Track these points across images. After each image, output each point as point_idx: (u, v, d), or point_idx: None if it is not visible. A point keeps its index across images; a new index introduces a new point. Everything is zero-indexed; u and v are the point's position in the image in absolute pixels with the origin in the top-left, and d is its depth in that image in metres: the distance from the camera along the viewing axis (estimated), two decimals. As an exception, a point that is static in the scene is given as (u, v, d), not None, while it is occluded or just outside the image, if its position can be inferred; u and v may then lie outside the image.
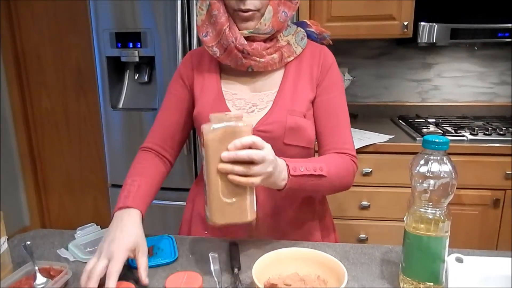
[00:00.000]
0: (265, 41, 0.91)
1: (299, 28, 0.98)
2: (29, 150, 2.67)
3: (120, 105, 1.86)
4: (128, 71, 1.90)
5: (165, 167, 0.98)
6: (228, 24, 0.88)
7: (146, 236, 0.80)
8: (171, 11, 1.66)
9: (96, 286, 0.67)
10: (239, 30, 0.88)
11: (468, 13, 1.81)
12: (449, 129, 1.87)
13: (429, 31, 1.84)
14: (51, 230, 0.99)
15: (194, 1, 1.62)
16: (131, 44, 1.74)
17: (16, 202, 2.67)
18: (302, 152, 0.92)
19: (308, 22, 1.03)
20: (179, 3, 1.62)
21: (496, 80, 2.23)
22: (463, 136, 1.76)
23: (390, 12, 1.87)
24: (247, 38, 0.88)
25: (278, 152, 0.87)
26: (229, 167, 0.67)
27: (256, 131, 0.87)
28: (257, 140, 0.69)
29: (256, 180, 0.69)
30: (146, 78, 1.84)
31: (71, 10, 2.41)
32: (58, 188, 2.74)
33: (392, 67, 2.29)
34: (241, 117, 0.69)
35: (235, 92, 0.94)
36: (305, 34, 0.99)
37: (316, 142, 0.96)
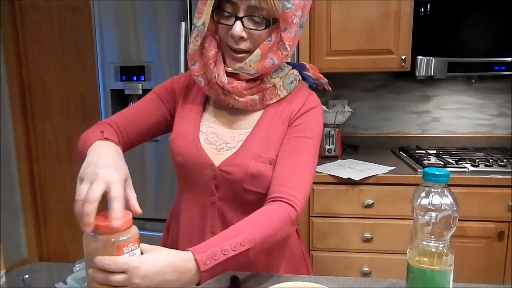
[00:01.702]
0: (248, 80, 0.89)
1: (292, 71, 0.95)
2: (30, 182, 2.66)
3: (123, 137, 1.87)
4: (131, 103, 1.93)
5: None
6: (215, 59, 0.88)
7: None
8: (174, 45, 1.71)
9: (95, 212, 0.61)
10: (227, 66, 0.89)
11: (464, 47, 1.86)
12: (450, 160, 1.87)
13: (426, 65, 1.88)
14: (49, 263, 0.98)
15: (197, 36, 1.67)
16: (135, 77, 1.78)
17: (14, 234, 2.64)
18: (262, 198, 0.85)
19: (308, 66, 1.01)
20: (182, 37, 1.67)
21: (495, 112, 2.25)
22: (465, 167, 1.76)
23: (388, 47, 1.93)
24: (231, 75, 0.88)
25: (238, 195, 0.89)
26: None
27: (219, 171, 0.88)
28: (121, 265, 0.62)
29: None
30: (149, 110, 1.87)
31: (77, 44, 2.48)
32: (57, 220, 2.71)
33: (391, 99, 2.32)
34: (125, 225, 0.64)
35: (211, 125, 0.94)
36: (297, 78, 0.96)
37: None
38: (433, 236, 0.66)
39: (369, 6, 1.91)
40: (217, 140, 0.92)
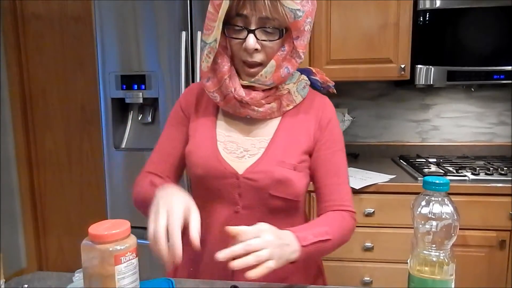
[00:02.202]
0: (264, 90, 0.90)
1: (302, 76, 0.97)
2: (30, 191, 2.66)
3: (123, 145, 1.88)
4: (132, 111, 1.94)
5: None
6: (229, 74, 0.88)
7: (143, 279, 0.78)
8: (175, 54, 1.72)
9: (166, 246, 0.68)
10: (242, 80, 0.89)
11: (463, 56, 1.87)
12: (451, 168, 1.87)
13: (426, 73, 1.89)
14: (48, 272, 0.97)
15: (198, 45, 1.68)
16: (135, 86, 1.79)
17: (13, 243, 2.63)
18: (287, 204, 0.90)
19: (313, 70, 1.02)
20: (183, 46, 1.68)
21: (494, 121, 2.26)
22: (465, 176, 1.76)
23: (387, 56, 1.94)
24: (246, 86, 0.89)
25: (263, 202, 0.88)
26: (241, 262, 0.68)
27: (243, 179, 0.87)
28: (247, 235, 0.70)
29: (271, 263, 0.70)
30: (149, 119, 1.87)
31: (78, 53, 2.49)
32: (57, 230, 2.70)
33: (391, 108, 2.33)
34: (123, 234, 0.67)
35: (228, 134, 0.93)
36: (308, 82, 0.98)
37: (315, 196, 0.96)
38: (434, 245, 0.66)
39: (368, 16, 1.92)
40: (237, 148, 0.91)
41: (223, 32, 0.86)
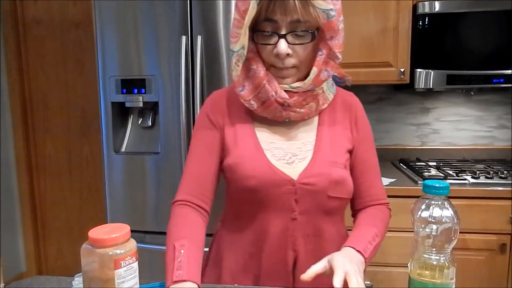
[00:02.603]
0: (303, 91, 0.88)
1: None
2: (30, 196, 2.66)
3: (123, 149, 1.88)
4: (132, 115, 1.94)
5: (204, 221, 0.92)
6: (267, 78, 0.85)
7: (142, 283, 0.78)
8: (175, 58, 1.72)
9: None
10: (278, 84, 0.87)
11: (463, 60, 1.87)
12: (451, 172, 1.87)
13: (425, 77, 1.90)
14: (48, 276, 0.97)
15: (198, 50, 1.68)
16: (135, 90, 1.79)
17: (13, 248, 2.62)
18: (342, 203, 0.92)
19: None
20: (183, 51, 1.69)
21: (494, 124, 2.26)
22: (465, 179, 1.76)
23: (387, 60, 1.94)
24: (285, 90, 0.86)
25: (320, 205, 0.87)
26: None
27: (300, 184, 0.85)
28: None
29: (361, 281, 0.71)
30: (149, 123, 1.87)
31: (79, 59, 2.50)
32: (56, 234, 2.70)
33: (391, 112, 2.33)
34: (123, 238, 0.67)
35: (271, 141, 0.90)
36: (332, 79, 0.96)
37: None
38: (434, 249, 0.66)
39: (368, 21, 1.93)
40: (285, 154, 0.88)
41: (253, 38, 0.83)
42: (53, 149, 2.62)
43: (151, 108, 1.87)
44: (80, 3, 2.46)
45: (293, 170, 0.86)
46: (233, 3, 1.64)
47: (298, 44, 0.82)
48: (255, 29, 0.83)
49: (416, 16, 1.88)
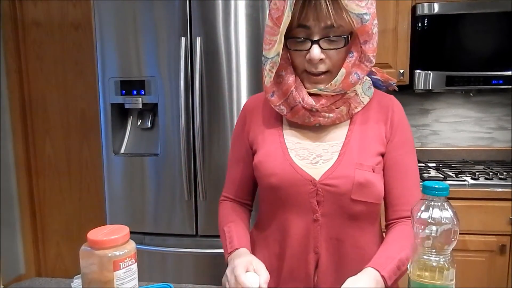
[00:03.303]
0: (332, 95, 0.87)
1: (366, 77, 0.94)
2: (29, 198, 2.65)
3: (122, 151, 1.88)
4: (131, 117, 1.94)
5: (248, 211, 1.05)
6: (295, 85, 0.86)
7: (142, 285, 0.78)
8: (174, 60, 1.72)
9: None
10: (307, 89, 0.86)
11: (462, 61, 1.88)
12: (450, 173, 1.87)
13: (425, 78, 1.90)
14: (47, 278, 0.97)
15: (197, 51, 1.68)
16: (135, 92, 1.79)
17: (12, 250, 2.62)
18: (369, 208, 0.87)
19: (373, 69, 0.98)
20: (182, 52, 1.69)
21: (493, 125, 2.26)
22: (464, 180, 1.76)
23: (387, 61, 1.94)
24: (313, 95, 0.86)
25: (343, 208, 0.85)
26: None
27: (321, 185, 0.84)
28: None
29: None
30: (149, 124, 1.87)
31: (78, 60, 2.50)
32: (56, 236, 2.69)
33: (390, 113, 2.33)
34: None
35: (298, 141, 0.90)
36: (371, 82, 0.95)
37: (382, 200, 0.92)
38: (433, 250, 0.66)
39: (367, 21, 1.93)
40: (309, 154, 0.88)
41: (284, 44, 0.83)
42: (53, 151, 2.62)
43: (151, 109, 1.87)
44: (79, 5, 2.46)
45: (316, 170, 0.85)
46: (232, 4, 1.64)
47: (331, 49, 0.81)
48: (287, 35, 0.82)
49: (416, 18, 1.88)
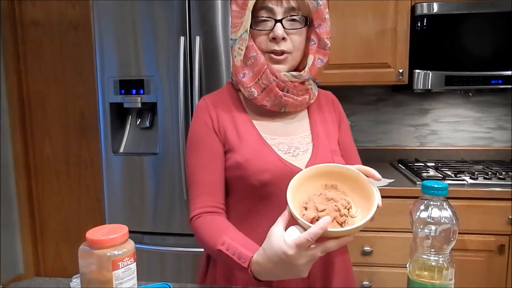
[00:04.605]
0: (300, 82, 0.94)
1: None
2: (28, 197, 2.65)
3: (122, 150, 1.88)
4: (130, 116, 1.93)
5: (226, 218, 0.92)
6: (267, 64, 0.89)
7: (141, 284, 0.78)
8: (174, 59, 1.72)
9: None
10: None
11: (461, 61, 1.88)
12: (449, 173, 1.87)
13: (424, 78, 1.90)
14: (46, 278, 0.97)
15: (196, 50, 1.68)
16: (134, 91, 1.79)
17: (11, 249, 2.61)
18: None
19: None
20: (181, 51, 1.69)
21: (492, 125, 2.26)
22: (463, 180, 1.76)
23: (386, 60, 1.94)
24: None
25: None
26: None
27: None
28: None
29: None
30: (148, 124, 1.87)
31: (77, 60, 2.50)
32: (55, 236, 2.69)
33: (389, 113, 2.33)
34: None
35: (273, 137, 0.93)
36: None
37: None
38: (433, 250, 0.66)
39: (366, 22, 1.93)
40: (289, 148, 0.92)
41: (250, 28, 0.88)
42: (51, 150, 2.62)
43: (150, 109, 1.87)
44: (78, 5, 2.46)
45: (299, 162, 0.90)
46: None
47: (293, 29, 0.88)
48: (251, 16, 0.88)
49: (415, 17, 1.88)
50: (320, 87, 1.05)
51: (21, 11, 2.50)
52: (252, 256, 0.75)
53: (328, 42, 0.92)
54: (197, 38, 1.69)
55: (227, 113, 0.94)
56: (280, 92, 0.90)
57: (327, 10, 0.91)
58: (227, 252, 0.78)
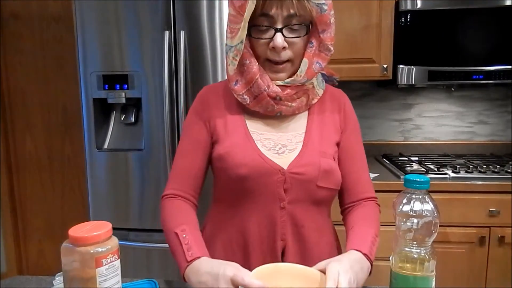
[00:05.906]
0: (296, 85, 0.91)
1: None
2: (9, 195, 2.59)
3: (106, 146, 1.85)
4: (114, 112, 1.91)
5: (195, 210, 0.95)
6: (259, 73, 0.87)
7: (125, 281, 0.77)
8: (158, 53, 1.70)
9: None
10: (271, 80, 0.88)
11: (444, 57, 1.90)
12: (432, 167, 1.90)
13: (407, 73, 1.92)
14: (28, 276, 0.95)
15: (181, 45, 1.67)
16: (118, 86, 1.77)
17: (-7, 247, 2.56)
18: (331, 193, 0.93)
19: None
20: (166, 46, 1.67)
21: (474, 120, 2.31)
22: (446, 174, 1.79)
23: (370, 56, 1.96)
24: (278, 86, 0.89)
25: (309, 195, 0.88)
26: None
27: (290, 173, 0.86)
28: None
29: None
30: (132, 119, 1.85)
31: (59, 54, 2.45)
32: (37, 234, 2.64)
33: (374, 108, 2.36)
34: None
35: (261, 132, 0.92)
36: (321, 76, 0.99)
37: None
38: (415, 242, 0.67)
39: (351, 17, 1.94)
40: (275, 145, 0.91)
41: (247, 33, 0.85)
42: (33, 146, 2.57)
43: (134, 104, 1.84)
44: (60, -3, 2.40)
45: (283, 160, 0.88)
46: (216, -2, 1.63)
47: (293, 37, 0.84)
48: (250, 24, 0.84)
49: (399, 13, 1.90)
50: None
51: (0, 3, 2.44)
52: (200, 257, 0.78)
53: (331, 48, 0.89)
54: (182, 33, 1.67)
55: (222, 104, 0.95)
56: (272, 101, 0.88)
57: (332, 13, 0.87)
58: (181, 238, 0.82)
